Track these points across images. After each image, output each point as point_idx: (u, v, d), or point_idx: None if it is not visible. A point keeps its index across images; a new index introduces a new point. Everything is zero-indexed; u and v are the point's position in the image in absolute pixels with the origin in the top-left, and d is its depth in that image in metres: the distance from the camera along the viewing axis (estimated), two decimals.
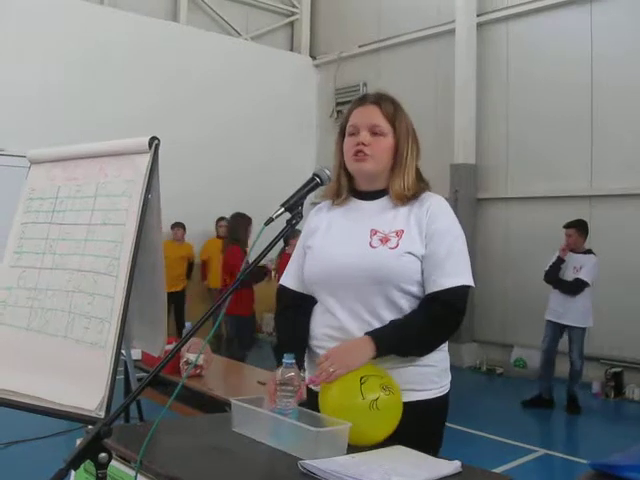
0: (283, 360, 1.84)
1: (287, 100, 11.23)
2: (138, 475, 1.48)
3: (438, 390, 2.02)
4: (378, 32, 10.72)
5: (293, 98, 11.40)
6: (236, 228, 6.64)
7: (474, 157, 9.24)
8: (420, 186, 2.06)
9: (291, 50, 12.17)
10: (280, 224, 1.72)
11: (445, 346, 2.07)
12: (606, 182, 7.92)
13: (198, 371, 4.13)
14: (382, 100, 2.05)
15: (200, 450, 1.71)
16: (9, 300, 2.34)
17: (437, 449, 1.99)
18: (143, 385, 1.44)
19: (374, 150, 2.01)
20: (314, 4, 12.18)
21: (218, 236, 9.91)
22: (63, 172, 2.46)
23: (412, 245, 1.95)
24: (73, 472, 1.76)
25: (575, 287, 6.47)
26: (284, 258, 8.68)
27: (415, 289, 1.96)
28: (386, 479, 1.42)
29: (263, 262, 6.72)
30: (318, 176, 1.85)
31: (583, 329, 6.60)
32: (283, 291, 2.22)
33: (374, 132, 2.01)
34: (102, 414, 1.96)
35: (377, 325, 1.93)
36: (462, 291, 1.96)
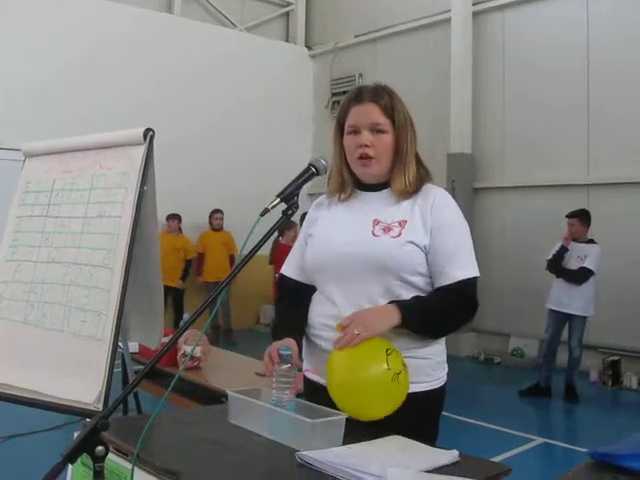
0: (280, 352, 1.84)
1: (283, 91, 11.20)
2: (135, 468, 1.48)
3: (434, 382, 2.03)
4: (374, 22, 10.68)
5: (289, 89, 11.36)
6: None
7: (470, 147, 9.23)
8: (421, 175, 2.06)
9: (287, 41, 12.13)
10: (276, 215, 1.71)
11: (443, 339, 2.08)
12: (603, 170, 7.91)
13: (196, 363, 4.13)
14: (379, 95, 2.03)
15: (197, 442, 1.70)
16: (5, 294, 2.34)
17: (433, 440, 1.99)
18: (140, 377, 1.44)
19: (377, 150, 2.01)
20: None
21: (213, 229, 9.89)
22: (58, 165, 2.45)
23: (415, 235, 1.95)
24: (70, 466, 1.76)
25: (581, 276, 6.48)
26: (279, 248, 8.70)
27: (416, 279, 1.96)
28: (383, 469, 1.42)
29: None
30: (314, 166, 1.84)
31: (585, 318, 6.62)
32: (284, 280, 2.23)
33: (375, 130, 2.01)
34: (100, 407, 1.96)
35: None
36: (473, 282, 1.99)
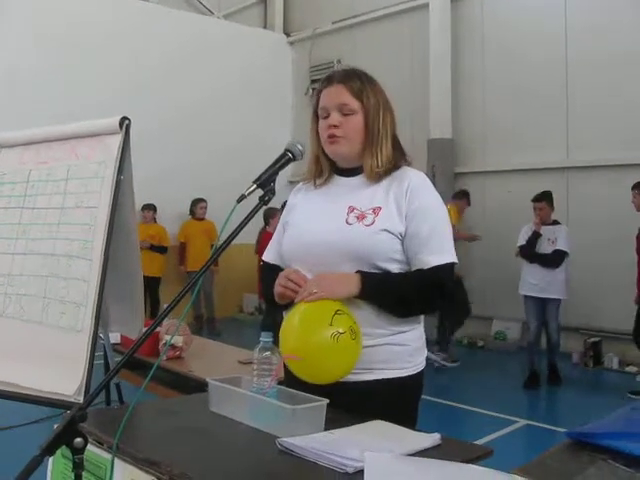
0: (260, 339, 1.83)
1: (261, 78, 11.12)
2: (115, 459, 1.47)
3: (411, 369, 2.02)
4: (352, 8, 10.64)
5: (267, 76, 11.29)
6: None
7: (450, 132, 9.25)
8: (397, 158, 2.04)
9: (265, 28, 12.06)
10: (254, 201, 1.70)
11: (420, 325, 2.07)
12: (582, 154, 7.96)
13: (178, 353, 4.12)
14: (348, 78, 2.02)
15: (177, 431, 1.70)
16: None
17: (412, 426, 2.00)
18: (118, 367, 1.43)
19: (345, 130, 1.99)
20: None
21: (196, 218, 9.82)
22: (34, 155, 2.43)
23: (389, 222, 1.93)
24: (50, 459, 1.75)
25: (556, 258, 6.47)
26: (265, 237, 8.68)
27: (392, 267, 1.94)
28: (364, 453, 1.42)
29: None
30: (290, 151, 1.83)
31: (560, 301, 6.61)
32: (265, 266, 2.23)
33: (343, 112, 2.00)
34: (81, 399, 1.96)
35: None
36: (448, 268, 1.96)
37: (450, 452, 1.56)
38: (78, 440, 1.28)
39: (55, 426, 1.30)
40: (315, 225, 2.02)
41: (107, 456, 1.57)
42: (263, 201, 1.70)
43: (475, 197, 8.48)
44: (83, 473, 1.31)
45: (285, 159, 1.82)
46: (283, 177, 1.79)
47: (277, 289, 1.96)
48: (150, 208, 9.32)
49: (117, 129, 2.17)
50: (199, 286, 1.54)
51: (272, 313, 8.62)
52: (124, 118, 2.17)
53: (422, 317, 2.09)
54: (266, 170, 1.73)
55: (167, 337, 3.94)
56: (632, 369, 7.15)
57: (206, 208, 9.74)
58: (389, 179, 2.01)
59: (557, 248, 6.48)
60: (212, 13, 11.29)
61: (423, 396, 2.10)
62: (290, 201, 2.21)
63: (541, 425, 5.44)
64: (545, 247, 6.56)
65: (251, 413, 1.72)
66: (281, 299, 1.99)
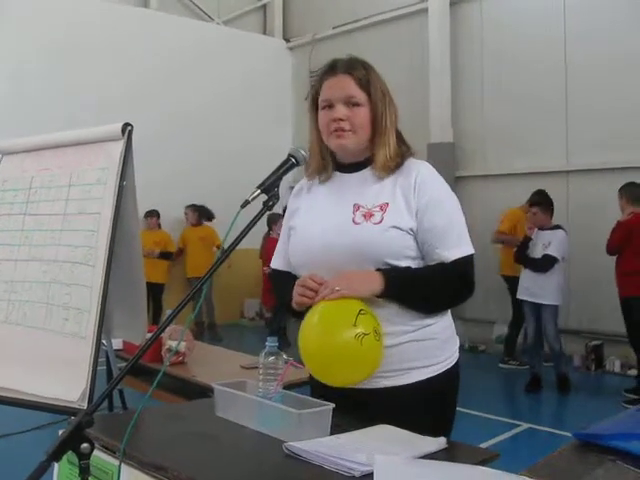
0: (266, 344, 1.83)
1: (262, 84, 11.13)
2: (122, 464, 1.47)
3: (445, 363, 1.95)
4: (351, 13, 10.66)
5: (268, 82, 11.30)
6: None
7: (451, 136, 9.25)
8: (403, 151, 1.97)
9: (264, 33, 12.08)
10: (258, 207, 1.70)
11: (447, 314, 2.01)
12: (582, 157, 7.95)
13: (181, 358, 4.12)
14: (353, 67, 1.95)
15: (184, 437, 1.70)
16: None
17: (451, 424, 1.97)
18: (124, 373, 1.43)
19: (353, 123, 1.92)
20: None
21: (192, 225, 9.79)
22: (36, 162, 2.43)
23: (398, 218, 1.87)
24: (56, 465, 1.74)
25: (544, 263, 6.38)
26: (269, 243, 8.67)
27: (406, 264, 1.88)
28: (371, 457, 1.42)
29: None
30: (293, 156, 1.81)
31: (555, 307, 6.51)
32: (275, 274, 2.18)
33: (350, 103, 1.92)
34: (84, 405, 1.95)
35: None
36: (469, 260, 1.91)
37: (456, 456, 1.56)
38: (85, 445, 1.27)
39: (60, 432, 1.30)
40: (321, 227, 1.95)
41: (114, 461, 1.56)
42: (267, 206, 1.68)
43: (476, 201, 8.49)
44: (89, 478, 1.31)
45: (289, 164, 1.79)
46: (284, 182, 1.77)
47: (296, 299, 1.88)
48: (154, 214, 9.34)
49: (119, 135, 2.17)
50: (204, 293, 1.53)
51: (278, 318, 8.65)
52: (126, 124, 2.17)
53: None
54: (270, 175, 1.72)
55: (170, 343, 3.93)
56: (634, 372, 7.13)
57: (194, 213, 9.74)
58: (395, 173, 1.94)
59: (546, 253, 6.40)
60: (212, 19, 11.31)
61: None
62: (292, 205, 2.14)
63: (544, 429, 5.43)
64: (538, 251, 6.49)
65: (257, 418, 1.72)
66: (302, 307, 1.88)
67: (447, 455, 1.55)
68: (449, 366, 1.97)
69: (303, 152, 1.84)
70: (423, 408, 1.85)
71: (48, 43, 8.81)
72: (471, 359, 8.24)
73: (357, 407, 1.83)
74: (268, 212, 1.71)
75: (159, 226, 9.53)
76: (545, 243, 6.46)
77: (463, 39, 9.29)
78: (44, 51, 8.77)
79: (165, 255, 9.36)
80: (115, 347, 3.16)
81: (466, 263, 1.91)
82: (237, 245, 1.56)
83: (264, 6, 12.15)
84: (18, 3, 8.65)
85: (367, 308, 1.77)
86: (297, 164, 1.83)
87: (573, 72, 8.04)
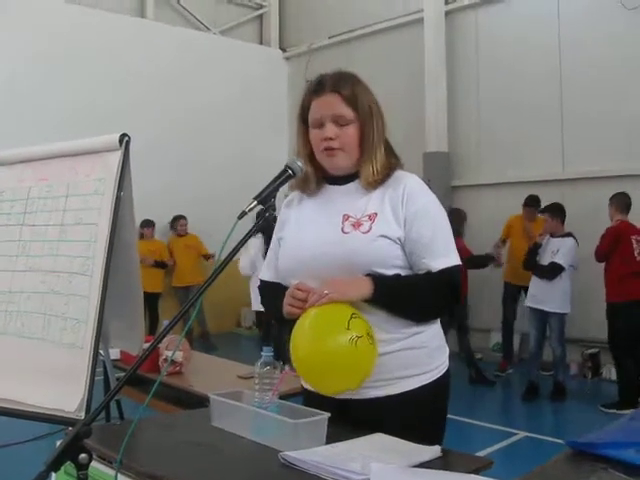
0: (262, 353, 1.84)
1: (258, 93, 11.17)
2: (119, 475, 1.48)
3: (434, 372, 1.98)
4: (347, 23, 10.70)
5: (264, 91, 11.33)
6: (457, 222, 6.54)
7: (446, 145, 9.28)
8: (391, 163, 2.00)
9: (261, 43, 12.11)
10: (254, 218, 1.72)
11: (435, 323, 2.02)
12: (578, 166, 7.98)
13: (177, 368, 4.12)
14: (339, 85, 1.97)
15: (180, 446, 1.70)
16: None
17: (442, 433, 1.99)
18: (122, 383, 1.44)
19: (343, 142, 1.95)
20: None
21: (178, 235, 9.80)
22: (33, 172, 2.43)
23: (386, 228, 1.89)
24: (54, 475, 1.75)
25: (550, 271, 6.43)
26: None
27: (392, 273, 1.89)
28: (366, 466, 1.43)
29: (489, 251, 7.31)
30: (290, 168, 1.84)
31: (562, 315, 6.55)
32: (264, 285, 2.20)
33: (339, 123, 1.95)
34: (82, 415, 1.95)
35: None
36: (455, 270, 1.93)
37: (451, 464, 1.57)
38: (83, 456, 1.28)
39: (58, 442, 1.31)
40: (310, 237, 1.97)
41: (110, 472, 1.57)
42: (263, 217, 1.70)
43: (472, 210, 8.50)
44: None
45: (285, 176, 1.82)
46: (280, 193, 1.79)
47: (286, 309, 1.89)
48: (149, 225, 9.36)
49: (117, 146, 2.18)
50: (200, 304, 1.54)
51: (270, 327, 8.63)
52: (124, 135, 2.18)
53: None
54: (267, 187, 1.74)
55: (166, 352, 3.93)
56: None
57: (186, 225, 9.78)
58: (383, 185, 1.96)
59: (553, 261, 6.45)
60: (208, 29, 11.34)
61: None
62: (282, 215, 2.16)
63: (540, 437, 5.43)
64: (547, 258, 6.53)
65: (253, 427, 1.73)
66: (293, 316, 1.88)
67: (442, 463, 1.56)
68: (439, 375, 2.00)
69: (300, 163, 1.87)
70: (414, 418, 1.86)
71: (44, 53, 8.83)
72: (467, 367, 8.23)
73: (346, 417, 1.84)
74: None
75: (153, 236, 9.56)
76: (554, 250, 6.49)
77: (458, 48, 9.34)
78: (40, 61, 8.80)
79: (160, 264, 9.37)
80: (112, 357, 3.16)
81: (452, 272, 1.92)
82: (234, 256, 1.58)
83: (260, 16, 12.19)
84: (14, 12, 8.67)
85: (359, 313, 1.77)
86: (294, 175, 1.85)
87: (568, 80, 8.09)
